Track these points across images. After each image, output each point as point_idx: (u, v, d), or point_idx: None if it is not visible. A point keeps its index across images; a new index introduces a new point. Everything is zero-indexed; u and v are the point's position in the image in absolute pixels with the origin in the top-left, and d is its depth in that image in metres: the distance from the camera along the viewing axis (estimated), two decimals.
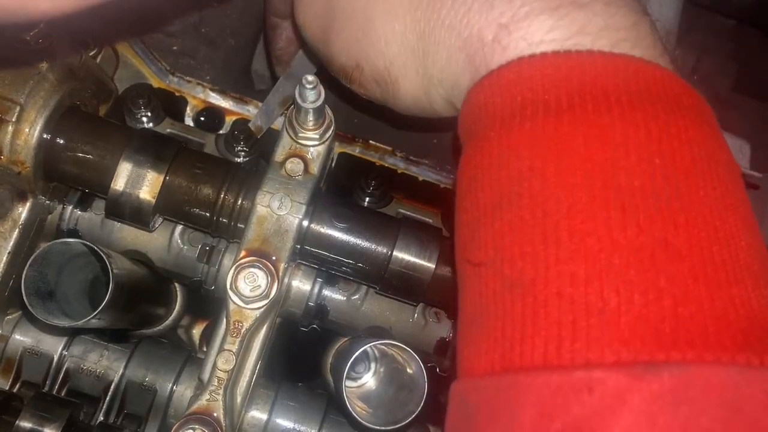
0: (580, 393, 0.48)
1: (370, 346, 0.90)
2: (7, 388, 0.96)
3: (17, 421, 0.85)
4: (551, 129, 0.56)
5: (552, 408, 0.49)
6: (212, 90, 1.15)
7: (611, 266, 0.51)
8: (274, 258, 0.85)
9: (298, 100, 0.81)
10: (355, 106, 1.09)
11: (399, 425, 0.87)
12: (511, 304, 0.54)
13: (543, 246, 0.53)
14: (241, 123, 1.09)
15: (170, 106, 1.12)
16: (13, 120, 0.85)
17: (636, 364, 0.48)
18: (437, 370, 1.03)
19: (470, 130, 0.64)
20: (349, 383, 0.99)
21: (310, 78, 0.76)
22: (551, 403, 0.49)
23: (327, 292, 1.02)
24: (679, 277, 0.51)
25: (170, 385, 0.99)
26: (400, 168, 1.11)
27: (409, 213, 1.05)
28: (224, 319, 0.84)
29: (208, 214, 0.91)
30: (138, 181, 0.88)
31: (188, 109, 1.15)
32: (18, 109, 0.85)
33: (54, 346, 0.98)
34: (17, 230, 0.93)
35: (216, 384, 0.83)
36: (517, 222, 0.56)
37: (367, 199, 1.06)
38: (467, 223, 0.62)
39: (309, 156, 0.88)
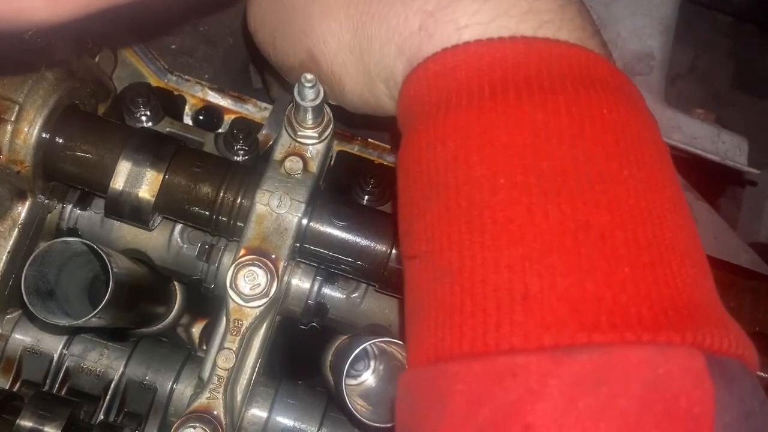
0: (504, 379, 0.49)
1: (370, 344, 0.90)
2: (7, 387, 0.96)
3: (18, 420, 0.85)
4: (474, 118, 0.57)
5: (479, 395, 0.50)
6: (211, 89, 1.15)
7: (533, 251, 0.51)
8: (273, 256, 0.85)
9: (297, 99, 0.81)
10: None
11: None
12: (441, 294, 0.55)
13: (468, 235, 0.54)
14: (240, 121, 1.09)
15: (169, 104, 1.12)
16: (12, 119, 0.86)
17: (558, 347, 0.48)
18: None
19: (404, 124, 0.65)
20: (348, 381, 0.99)
21: (309, 76, 0.76)
22: (478, 390, 0.50)
23: (326, 290, 1.02)
24: (602, 259, 0.51)
25: (170, 383, 0.99)
26: None
27: None
28: (224, 318, 0.84)
29: (207, 213, 0.91)
30: (137, 179, 0.88)
31: (187, 107, 1.15)
32: (17, 108, 0.85)
33: (54, 345, 0.98)
34: (17, 229, 0.93)
35: (216, 382, 0.84)
36: (444, 213, 0.56)
37: (366, 197, 1.06)
38: (404, 217, 0.63)
39: (308, 154, 0.88)
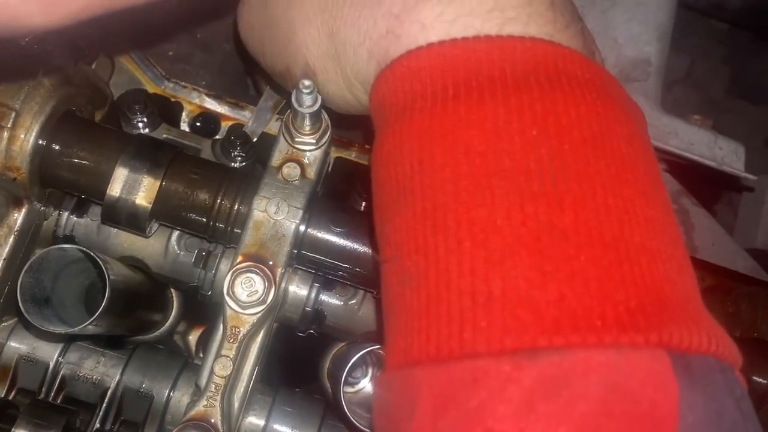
0: (466, 384, 0.49)
1: (368, 352, 0.90)
2: (2, 395, 0.95)
3: (13, 429, 0.85)
4: (438, 121, 0.57)
5: (443, 400, 0.50)
6: (208, 95, 1.15)
7: (495, 254, 0.51)
8: (271, 263, 0.85)
9: (295, 105, 0.81)
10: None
11: None
12: (409, 299, 0.55)
13: (434, 239, 0.54)
14: (237, 128, 1.09)
15: (166, 111, 1.12)
16: (9, 126, 0.85)
17: (519, 351, 0.48)
18: None
19: (376, 127, 0.65)
20: (346, 388, 0.99)
21: (307, 83, 0.76)
22: (442, 395, 0.50)
23: (324, 297, 1.01)
24: (564, 260, 0.50)
25: (167, 391, 0.98)
26: None
27: None
28: (221, 325, 0.84)
29: (204, 220, 0.90)
30: (134, 186, 0.88)
31: (184, 114, 1.15)
32: (13, 114, 0.85)
33: (50, 353, 0.97)
34: (13, 236, 0.92)
35: (213, 390, 0.83)
36: (410, 217, 0.56)
37: (364, 203, 1.06)
38: (376, 221, 0.63)
39: (306, 160, 0.88)
